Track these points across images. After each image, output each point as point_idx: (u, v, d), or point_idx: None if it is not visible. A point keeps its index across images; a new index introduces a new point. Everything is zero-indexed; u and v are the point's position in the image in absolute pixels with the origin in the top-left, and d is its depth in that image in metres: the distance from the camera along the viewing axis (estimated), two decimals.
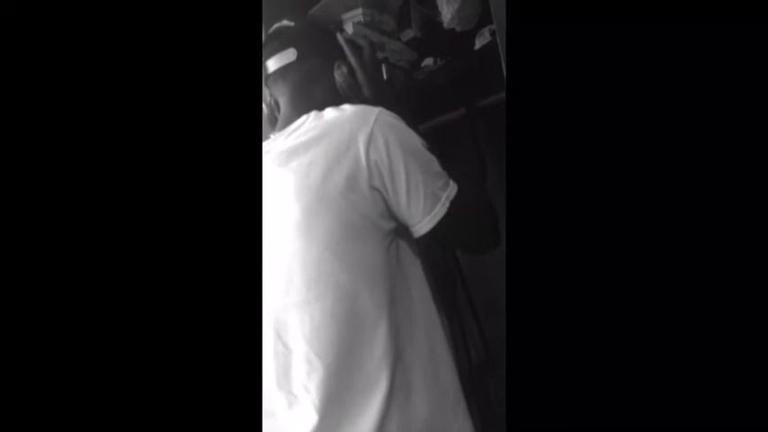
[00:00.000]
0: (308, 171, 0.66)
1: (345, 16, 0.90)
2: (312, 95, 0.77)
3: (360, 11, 0.95)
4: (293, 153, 0.68)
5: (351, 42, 0.79)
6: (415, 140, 0.69)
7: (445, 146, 0.79)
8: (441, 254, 0.97)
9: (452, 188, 0.68)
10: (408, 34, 1.05)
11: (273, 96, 0.82)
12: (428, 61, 1.07)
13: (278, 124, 0.79)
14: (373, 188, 0.65)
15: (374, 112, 0.68)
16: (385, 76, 0.95)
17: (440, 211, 0.66)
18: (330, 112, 0.70)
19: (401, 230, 0.69)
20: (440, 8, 0.99)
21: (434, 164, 0.69)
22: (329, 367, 0.65)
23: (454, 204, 0.67)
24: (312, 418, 0.65)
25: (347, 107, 0.70)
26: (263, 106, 0.87)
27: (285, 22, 0.80)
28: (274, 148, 0.71)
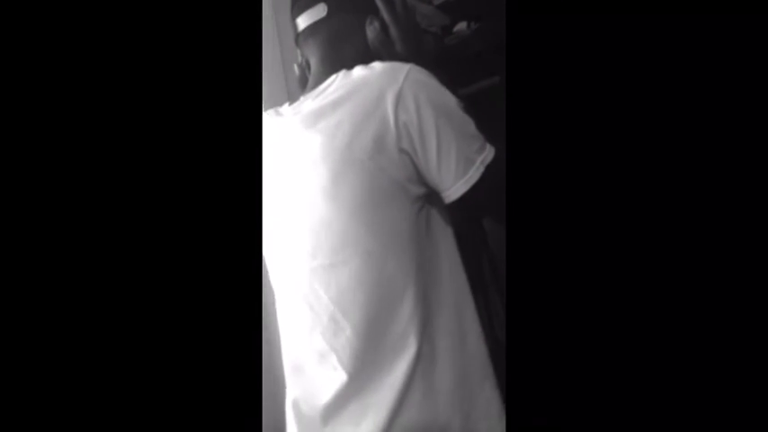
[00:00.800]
0: (334, 132, 0.63)
1: None
2: (343, 53, 0.73)
3: None
4: (320, 114, 0.65)
5: None
6: (449, 99, 0.66)
7: (478, 115, 0.75)
8: (467, 226, 0.94)
9: (489, 152, 0.65)
10: None
11: (304, 56, 0.78)
12: (461, 26, 1.02)
13: (308, 85, 0.76)
14: (402, 150, 0.62)
15: (404, 68, 0.64)
16: None
17: (474, 175, 0.63)
18: (359, 71, 0.66)
19: (432, 196, 0.66)
20: None
21: (470, 125, 0.66)
22: (356, 328, 0.64)
23: (489, 169, 0.63)
24: (341, 376, 0.65)
25: (377, 64, 0.66)
26: (295, 67, 0.84)
27: None
28: (302, 109, 0.69)
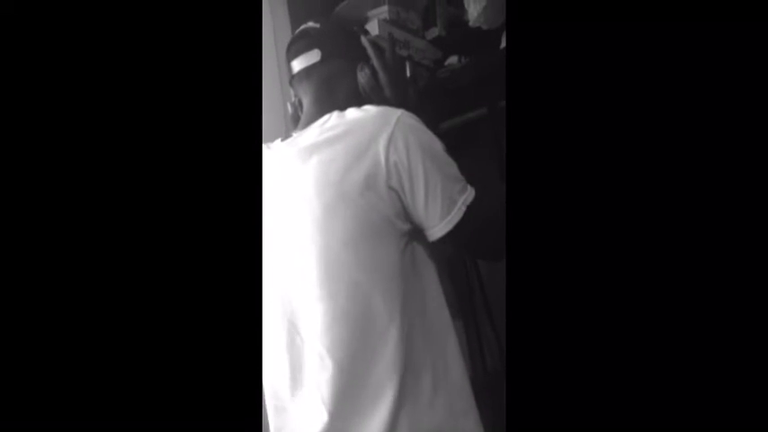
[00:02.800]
0: (327, 168, 0.66)
1: (371, 13, 0.89)
2: (335, 96, 0.77)
3: (386, 8, 0.94)
4: (315, 149, 0.68)
5: (374, 44, 0.79)
6: (436, 143, 0.69)
7: (466, 145, 0.78)
8: (459, 257, 0.96)
9: (470, 193, 0.68)
10: (433, 32, 1.04)
11: (297, 96, 0.82)
12: (452, 59, 1.05)
13: (300, 123, 0.79)
14: (391, 188, 0.66)
15: (396, 113, 0.68)
16: (408, 74, 0.94)
17: (455, 215, 0.66)
18: (353, 112, 0.70)
19: (416, 233, 0.69)
20: (466, 6, 0.98)
21: (453, 168, 0.69)
22: (340, 365, 0.65)
23: (470, 209, 0.66)
24: (322, 416, 0.66)
25: (370, 108, 0.70)
26: (288, 105, 0.87)
27: (311, 24, 0.81)
28: (297, 143, 0.72)
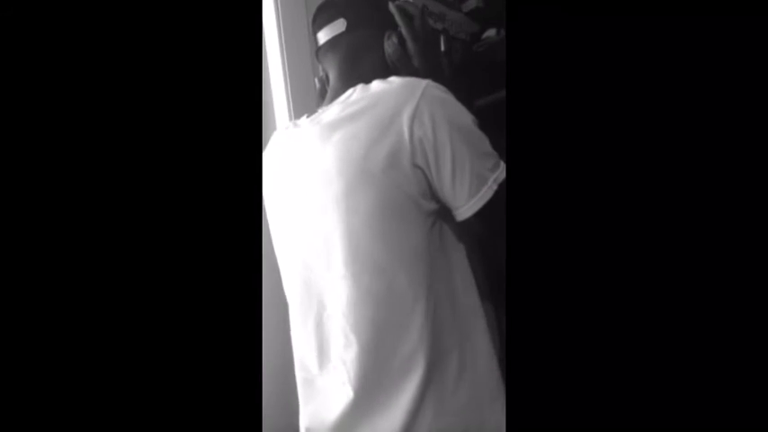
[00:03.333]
0: (349, 145, 0.64)
1: None
2: (361, 67, 0.74)
3: None
4: (336, 126, 0.66)
5: (402, 10, 0.74)
6: (465, 116, 0.65)
7: (503, 122, 0.74)
8: (492, 239, 0.92)
9: (502, 170, 0.63)
10: (470, 4, 0.99)
11: (324, 70, 0.79)
12: (490, 32, 1.00)
13: (326, 98, 0.77)
14: (416, 166, 0.62)
15: (421, 84, 0.63)
16: (443, 48, 0.90)
17: (486, 193, 0.62)
18: (377, 85, 0.66)
19: (445, 212, 0.66)
20: None
21: (484, 143, 0.65)
22: (365, 345, 0.64)
23: (502, 188, 0.62)
24: (347, 394, 0.65)
25: (395, 79, 0.66)
26: (315, 80, 0.85)
27: None
28: (320, 120, 0.70)
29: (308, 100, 1.09)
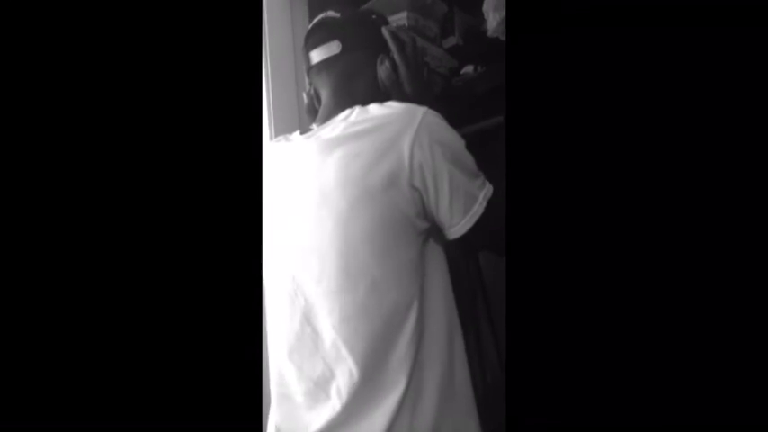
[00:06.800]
0: (351, 163, 0.65)
1: (390, 19, 0.90)
2: (354, 88, 0.76)
3: (404, 14, 0.95)
4: (338, 143, 0.67)
5: (395, 36, 0.78)
6: (458, 141, 0.69)
7: (478, 154, 0.78)
8: (464, 264, 0.95)
9: (488, 188, 0.68)
10: (450, 41, 1.05)
11: (314, 87, 0.81)
12: (468, 69, 1.06)
13: (319, 115, 0.78)
14: (413, 187, 0.65)
15: (420, 111, 0.67)
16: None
17: (477, 210, 0.66)
18: (377, 108, 0.69)
19: (432, 232, 0.69)
20: (485, 16, 0.99)
21: (473, 163, 0.69)
22: (358, 358, 0.64)
23: (489, 204, 0.66)
24: (333, 407, 0.65)
25: (394, 104, 0.69)
26: (303, 96, 0.86)
27: (330, 13, 0.79)
28: (319, 135, 0.71)
29: (291, 116, 1.11)
